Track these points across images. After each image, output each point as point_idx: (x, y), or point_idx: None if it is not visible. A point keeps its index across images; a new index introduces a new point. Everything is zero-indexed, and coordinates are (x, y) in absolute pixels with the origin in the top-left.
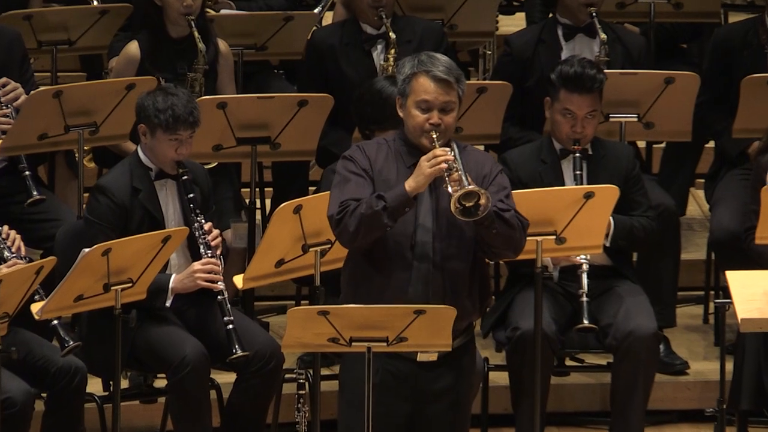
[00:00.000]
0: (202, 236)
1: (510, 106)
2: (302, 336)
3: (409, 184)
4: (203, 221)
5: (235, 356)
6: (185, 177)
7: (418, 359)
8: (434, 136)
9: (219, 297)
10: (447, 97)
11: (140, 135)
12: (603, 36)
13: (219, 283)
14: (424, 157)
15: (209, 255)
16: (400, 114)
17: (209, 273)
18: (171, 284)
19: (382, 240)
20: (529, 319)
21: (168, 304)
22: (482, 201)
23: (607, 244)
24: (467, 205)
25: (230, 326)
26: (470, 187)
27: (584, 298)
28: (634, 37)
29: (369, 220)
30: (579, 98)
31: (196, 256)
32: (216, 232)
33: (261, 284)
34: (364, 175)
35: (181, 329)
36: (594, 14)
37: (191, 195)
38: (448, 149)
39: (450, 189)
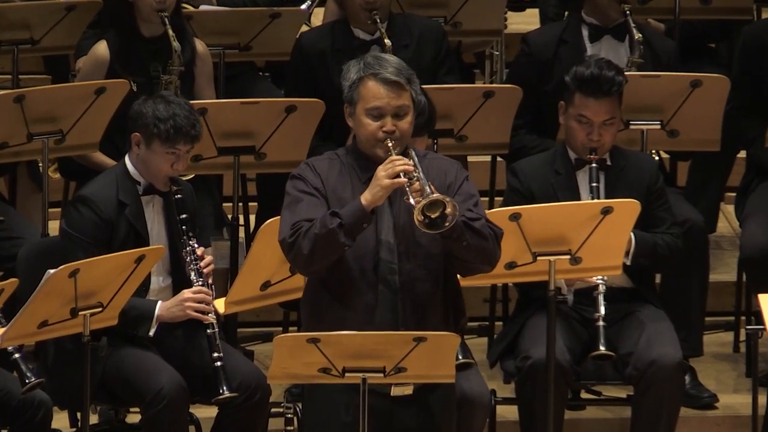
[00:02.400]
0: (194, 262)
1: (524, 111)
2: (290, 366)
3: (366, 198)
4: (196, 246)
5: (222, 397)
6: (179, 195)
7: (392, 394)
8: (389, 144)
9: (209, 331)
10: (399, 101)
11: (133, 144)
12: (639, 36)
13: (210, 315)
14: (380, 167)
15: (200, 283)
16: (350, 124)
17: (200, 303)
18: (157, 312)
19: (343, 263)
20: (541, 348)
21: (151, 333)
22: (448, 210)
23: (627, 263)
24: (432, 216)
25: (218, 363)
26: (434, 195)
27: (601, 323)
28: (663, 41)
29: (324, 240)
30: (595, 103)
31: (180, 282)
32: (209, 258)
33: (245, 309)
34: (317, 194)
35: (158, 358)
36: (628, 12)
37: (184, 216)
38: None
39: (412, 200)
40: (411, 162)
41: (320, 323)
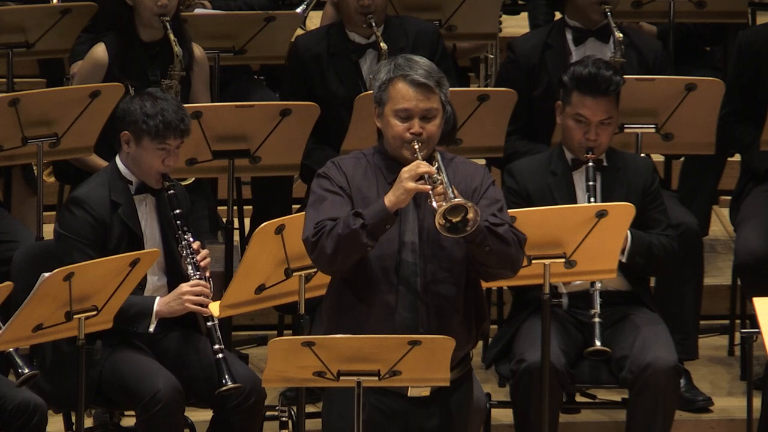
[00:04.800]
0: (191, 255)
1: (515, 117)
2: (285, 369)
3: (389, 199)
4: (191, 239)
5: (225, 388)
6: (171, 191)
7: (409, 395)
8: (416, 146)
9: (208, 323)
10: (428, 104)
11: (122, 143)
12: (619, 35)
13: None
14: (404, 169)
15: (198, 276)
16: (378, 124)
17: (198, 296)
18: (156, 307)
19: (365, 263)
20: (536, 351)
21: (152, 329)
22: (470, 215)
23: (623, 260)
24: (454, 220)
25: (220, 355)
26: (456, 200)
27: (597, 319)
28: (649, 41)
29: (347, 240)
30: (593, 102)
31: (174, 280)
32: (205, 252)
33: (240, 312)
34: (341, 193)
35: (154, 361)
36: (608, 13)
37: (178, 210)
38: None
39: (434, 203)
40: (436, 165)
41: (341, 322)
